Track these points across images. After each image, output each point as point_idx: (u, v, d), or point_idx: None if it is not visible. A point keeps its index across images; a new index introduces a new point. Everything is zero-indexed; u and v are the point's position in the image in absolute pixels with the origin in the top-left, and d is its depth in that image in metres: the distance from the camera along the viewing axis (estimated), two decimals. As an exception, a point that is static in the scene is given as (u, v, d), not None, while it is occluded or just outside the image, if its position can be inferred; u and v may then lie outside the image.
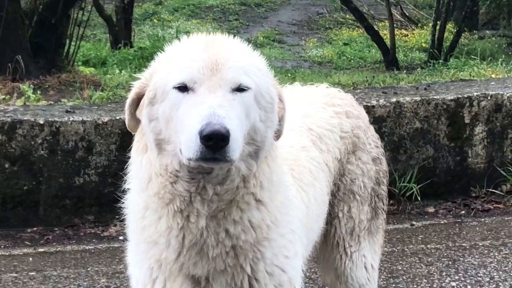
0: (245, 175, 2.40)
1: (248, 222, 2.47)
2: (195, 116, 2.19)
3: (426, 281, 5.97)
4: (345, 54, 23.80)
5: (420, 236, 7.10)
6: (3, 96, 7.89)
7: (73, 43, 9.99)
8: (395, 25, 21.98)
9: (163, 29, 24.50)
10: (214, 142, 2.12)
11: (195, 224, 2.40)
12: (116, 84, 8.69)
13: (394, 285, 5.83)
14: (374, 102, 7.79)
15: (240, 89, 2.32)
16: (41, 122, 7.17)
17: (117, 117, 7.57)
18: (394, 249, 6.76)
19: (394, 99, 7.87)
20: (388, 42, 20.36)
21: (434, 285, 5.88)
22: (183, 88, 2.31)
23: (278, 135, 2.52)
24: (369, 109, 7.48)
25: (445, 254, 6.54)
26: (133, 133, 2.57)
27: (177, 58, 2.44)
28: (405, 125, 7.87)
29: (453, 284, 5.90)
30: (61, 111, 7.51)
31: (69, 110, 7.41)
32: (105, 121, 7.59)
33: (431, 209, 7.87)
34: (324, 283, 3.94)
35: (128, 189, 2.61)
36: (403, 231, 7.27)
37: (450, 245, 6.88)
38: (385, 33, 21.66)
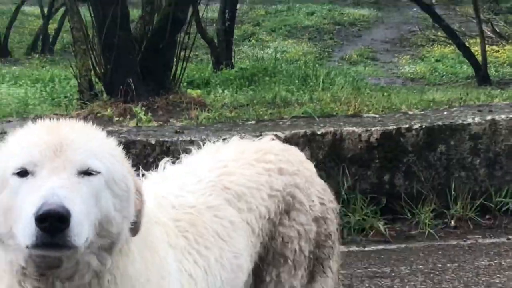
0: (98, 270, 2.39)
1: None
2: (32, 199, 2.15)
3: (523, 294, 4.29)
4: (437, 70, 25.95)
5: (517, 249, 5.18)
6: (117, 118, 8.15)
7: (179, 66, 10.24)
8: (486, 42, 23.29)
9: (262, 49, 26.77)
10: (50, 223, 2.09)
11: None
12: (221, 105, 8.45)
13: (492, 298, 4.19)
14: (469, 120, 7.70)
15: (88, 173, 2.31)
16: (153, 142, 7.39)
17: (223, 137, 7.65)
18: (491, 262, 6.59)
19: (489, 117, 7.68)
20: (479, 58, 21.83)
21: (532, 298, 4.19)
22: (23, 173, 2.28)
23: (135, 229, 2.52)
24: (464, 127, 7.73)
25: (543, 267, 4.68)
26: None
27: (17, 143, 2.42)
28: (500, 142, 7.71)
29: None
30: (170, 132, 7.65)
31: (178, 130, 7.54)
32: (212, 141, 7.61)
33: (527, 223, 5.85)
34: None
35: None
36: (499, 245, 7.02)
37: (548, 258, 4.98)
38: (476, 50, 22.65)
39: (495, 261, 6.72)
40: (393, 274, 6.55)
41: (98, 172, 2.30)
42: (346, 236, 6.99)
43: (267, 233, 3.35)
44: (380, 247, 7.16)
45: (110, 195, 2.36)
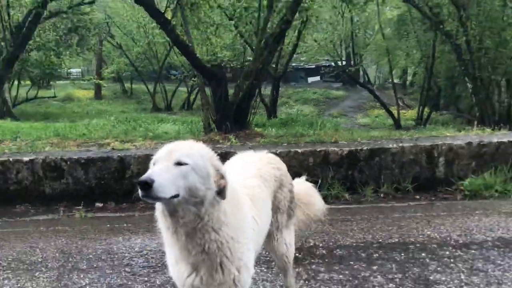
0: (197, 213, 2.54)
1: (209, 238, 2.59)
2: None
3: None
4: (375, 121, 26.55)
5: None
6: (221, 141, 8.47)
7: (251, 116, 9.87)
8: (400, 107, 25.72)
9: (291, 109, 30.21)
10: (142, 186, 2.28)
11: (180, 239, 2.58)
12: (271, 135, 8.75)
13: None
14: (390, 145, 7.53)
15: (180, 163, 2.47)
16: (237, 152, 7.11)
17: (271, 150, 7.55)
18: (401, 215, 6.24)
19: (400, 144, 7.52)
20: (396, 116, 23.94)
21: None
22: (154, 164, 2.52)
23: (222, 196, 2.59)
24: (388, 149, 7.45)
25: None
26: None
27: (160, 150, 2.60)
28: (405, 157, 7.40)
29: None
30: (246, 148, 7.61)
31: (250, 147, 7.67)
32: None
33: None
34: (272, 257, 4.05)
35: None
36: (405, 208, 6.59)
37: None
38: (394, 111, 24.97)
39: (402, 214, 6.34)
40: (352, 219, 6.34)
41: (187, 163, 2.48)
42: (329, 201, 7.03)
43: (273, 197, 3.44)
44: (346, 206, 7.06)
45: (196, 175, 2.49)
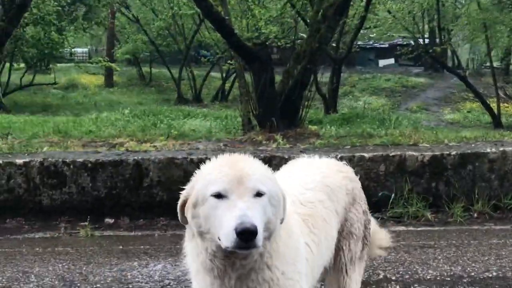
0: (261, 252, 2.55)
1: (262, 279, 2.60)
2: (230, 216, 2.34)
3: None
4: (467, 118, 27.13)
5: None
6: (265, 142, 8.29)
7: (304, 110, 9.99)
8: (500, 100, 25.06)
9: (356, 102, 30.26)
10: (246, 236, 2.26)
11: (228, 283, 2.57)
12: (329, 135, 8.77)
13: None
14: (488, 150, 7.54)
15: (259, 194, 2.46)
16: (286, 157, 7.12)
17: (331, 155, 7.35)
18: (499, 241, 6.21)
19: (501, 148, 7.55)
20: (496, 111, 23.31)
21: None
22: (218, 196, 2.44)
23: (281, 222, 2.62)
24: (485, 154, 7.48)
25: None
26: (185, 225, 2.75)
27: (211, 174, 2.55)
28: (508, 164, 7.34)
29: None
30: (297, 151, 7.67)
31: (301, 150, 7.63)
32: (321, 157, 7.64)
33: None
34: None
35: (186, 258, 2.82)
36: (506, 230, 6.61)
37: None
38: (493, 105, 24.93)
39: (502, 240, 6.32)
40: (435, 245, 6.26)
41: (264, 193, 2.48)
42: (405, 221, 7.09)
43: (343, 216, 3.39)
44: (428, 228, 6.96)
45: (270, 206, 2.51)
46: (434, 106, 33.20)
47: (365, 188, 7.40)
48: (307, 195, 3.13)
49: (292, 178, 3.30)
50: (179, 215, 2.69)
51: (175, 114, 17.10)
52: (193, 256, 2.69)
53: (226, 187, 2.45)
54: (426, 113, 28.79)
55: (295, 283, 2.72)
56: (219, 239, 2.40)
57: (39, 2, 24.14)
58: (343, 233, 3.40)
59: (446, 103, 34.06)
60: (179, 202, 2.68)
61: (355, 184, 3.57)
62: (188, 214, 2.60)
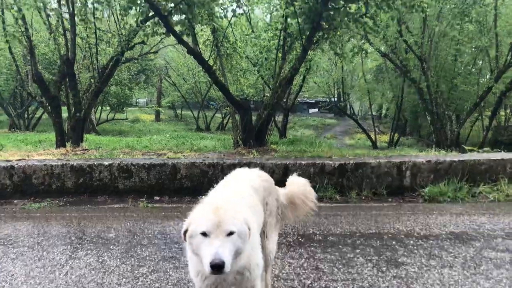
0: (236, 263, 2.32)
1: (236, 272, 2.44)
2: (208, 252, 2.15)
3: None
4: (358, 142, 27.39)
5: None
6: (246, 154, 8.12)
7: (268, 136, 9.74)
8: (376, 133, 23.26)
9: (296, 132, 26.02)
10: (217, 268, 2.08)
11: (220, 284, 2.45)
12: (282, 151, 8.64)
13: None
14: (371, 161, 7.41)
15: (230, 233, 2.23)
16: (258, 162, 7.08)
17: (284, 161, 7.42)
18: (375, 213, 6.09)
19: (378, 160, 7.44)
20: (374, 138, 21.05)
21: None
22: (204, 234, 2.23)
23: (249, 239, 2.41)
24: (369, 163, 7.22)
25: None
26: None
27: (200, 216, 2.30)
28: (381, 170, 7.35)
29: None
30: (264, 159, 7.46)
31: (266, 159, 7.45)
32: (273, 162, 7.34)
33: None
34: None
35: (188, 263, 2.59)
36: (381, 207, 6.43)
37: None
38: (372, 136, 23.78)
39: (378, 212, 6.13)
40: (341, 215, 6.11)
41: (234, 232, 2.26)
42: (324, 200, 6.89)
43: (264, 203, 3.12)
44: (337, 204, 6.86)
45: (240, 239, 2.28)
46: (340, 135, 33.08)
47: (302, 181, 7.51)
48: (244, 191, 2.92)
49: (236, 183, 3.05)
50: (182, 236, 2.46)
51: (195, 137, 17.18)
52: (193, 265, 2.49)
53: (209, 229, 2.25)
54: (335, 140, 28.37)
55: (257, 254, 2.58)
56: (204, 267, 2.22)
57: (119, 72, 24.05)
58: (266, 213, 3.18)
59: (346, 134, 34.40)
60: (183, 229, 2.45)
61: (269, 183, 3.32)
62: (187, 240, 2.37)
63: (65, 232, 5.52)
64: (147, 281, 4.03)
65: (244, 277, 2.51)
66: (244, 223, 2.37)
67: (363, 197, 7.08)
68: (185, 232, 2.41)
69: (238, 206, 2.54)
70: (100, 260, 4.55)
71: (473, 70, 20.17)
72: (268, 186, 3.29)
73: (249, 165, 7.00)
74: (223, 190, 2.94)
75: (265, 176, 3.38)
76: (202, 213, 2.35)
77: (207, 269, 2.14)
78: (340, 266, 4.33)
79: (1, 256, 4.67)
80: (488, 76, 19.79)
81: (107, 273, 4.24)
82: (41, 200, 7.10)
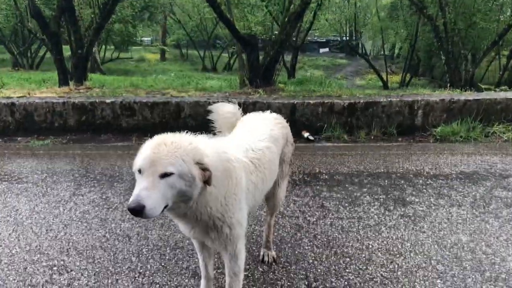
0: (186, 206, 2.03)
1: (204, 212, 2.10)
2: (133, 193, 1.84)
3: None
4: (369, 83, 25.42)
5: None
6: (253, 93, 7.97)
7: (276, 75, 9.47)
8: (388, 73, 19.76)
9: (305, 73, 22.09)
10: (133, 213, 1.77)
11: (175, 215, 2.12)
12: (290, 90, 8.37)
13: None
14: (382, 99, 7.22)
15: (166, 174, 1.87)
16: (264, 102, 7.00)
17: (291, 101, 7.23)
18: (389, 150, 6.13)
19: (389, 99, 7.28)
20: (385, 79, 15.60)
21: None
22: (139, 171, 1.90)
23: (208, 183, 2.02)
24: (380, 102, 7.04)
25: None
26: None
27: (141, 152, 1.97)
28: (392, 109, 7.15)
29: None
30: (271, 99, 7.35)
31: (274, 99, 7.35)
32: (280, 102, 7.28)
33: None
34: (267, 207, 3.36)
35: None
36: (390, 147, 6.46)
37: None
38: (384, 76, 18.20)
39: (387, 151, 6.12)
40: (349, 154, 6.09)
41: (173, 173, 1.88)
42: (332, 140, 6.93)
43: (281, 152, 2.95)
44: (345, 144, 6.88)
45: (182, 181, 1.91)
46: (350, 76, 32.48)
47: (310, 121, 7.37)
48: (258, 144, 2.61)
49: (249, 131, 2.78)
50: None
51: (200, 77, 17.02)
52: None
53: (142, 166, 1.91)
54: (345, 80, 27.79)
55: (233, 207, 2.23)
56: None
57: (121, 9, 23.35)
58: (281, 162, 2.99)
59: (357, 75, 33.82)
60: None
61: (287, 130, 3.11)
62: None
63: (68, 169, 5.56)
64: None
65: (222, 234, 2.26)
66: (191, 163, 1.99)
67: (372, 137, 7.01)
68: None
69: (203, 145, 2.16)
70: (104, 197, 4.60)
71: (494, 6, 19.29)
72: (286, 132, 3.10)
73: (255, 104, 6.97)
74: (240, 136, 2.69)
75: (282, 121, 3.14)
76: (145, 147, 2.03)
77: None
78: (346, 205, 4.34)
79: (5, 191, 4.76)
80: (509, 13, 18.96)
81: (110, 209, 4.28)
82: (44, 137, 7.14)
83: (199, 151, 2.07)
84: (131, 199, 1.82)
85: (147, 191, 1.84)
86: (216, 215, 2.21)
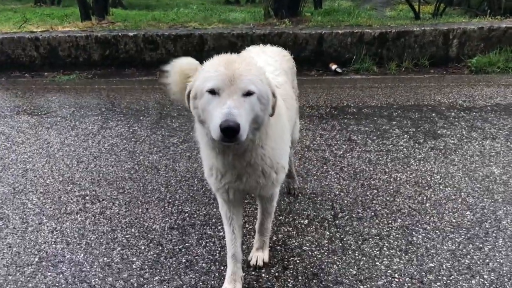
0: (252, 139, 1.86)
1: (255, 154, 1.95)
2: (218, 113, 1.65)
3: None
4: (399, 14, 19.54)
5: None
6: (278, 24, 7.73)
7: (302, 6, 8.78)
8: (420, 3, 16.51)
9: (333, 3, 20.25)
10: (229, 133, 1.59)
11: (227, 157, 1.91)
12: (317, 21, 8.00)
13: None
14: (414, 29, 6.85)
15: (248, 93, 1.73)
16: (290, 32, 6.77)
17: (319, 31, 6.99)
18: (421, 81, 5.98)
19: (423, 28, 6.91)
20: (417, 10, 14.95)
21: None
22: (212, 92, 1.72)
23: (271, 115, 1.89)
24: (412, 32, 6.73)
25: None
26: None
27: (209, 72, 1.76)
28: (425, 38, 6.76)
29: None
30: (297, 29, 7.07)
31: (300, 29, 7.09)
32: (307, 32, 6.97)
33: None
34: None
35: (195, 134, 2.08)
36: (422, 79, 6.23)
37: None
38: (416, 7, 16.08)
39: (419, 84, 5.95)
40: (378, 87, 5.97)
41: (254, 93, 1.74)
42: (361, 72, 6.76)
43: (293, 88, 2.72)
44: (374, 77, 6.69)
45: (259, 104, 1.77)
46: (380, 7, 31.09)
47: (338, 52, 7.17)
48: (278, 79, 2.41)
49: (265, 63, 2.50)
50: (186, 102, 1.93)
51: (224, 9, 16.43)
52: (200, 135, 1.99)
53: (219, 85, 1.73)
54: (375, 11, 26.65)
55: (281, 151, 2.12)
56: (211, 132, 1.73)
57: None
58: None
59: (387, 5, 32.05)
60: (186, 92, 1.91)
61: (293, 63, 2.89)
62: (191, 104, 1.87)
63: (95, 103, 5.66)
64: (178, 150, 4.16)
65: (268, 180, 2.13)
66: (267, 84, 1.87)
67: (403, 69, 6.80)
68: (189, 94, 1.91)
69: (262, 69, 2.00)
70: (131, 130, 4.70)
71: None
72: (293, 66, 2.91)
73: (280, 35, 6.79)
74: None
75: (287, 54, 2.92)
76: (211, 66, 1.83)
77: (216, 134, 1.67)
78: (374, 138, 4.30)
79: (36, 125, 4.92)
80: None
81: (138, 142, 4.38)
82: (70, 72, 7.21)
83: (266, 73, 1.96)
84: (223, 118, 1.63)
85: (237, 109, 1.67)
86: (267, 160, 2.07)
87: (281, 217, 3.07)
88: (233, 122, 1.61)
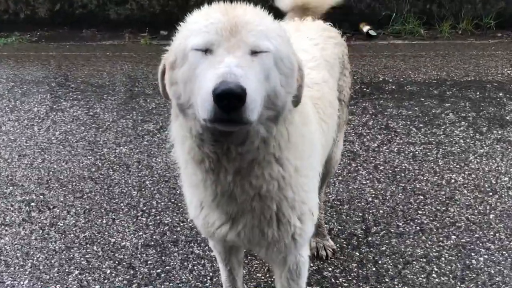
0: (265, 137, 1.53)
1: (268, 176, 1.61)
2: (211, 75, 1.32)
3: None
4: None
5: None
6: None
7: None
8: None
9: None
10: (228, 102, 1.25)
11: (224, 179, 1.57)
12: None
13: None
14: None
15: (259, 52, 1.41)
16: None
17: None
18: (474, 49, 5.98)
19: None
20: None
21: None
22: (202, 50, 1.40)
23: (296, 101, 1.60)
24: None
25: None
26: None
27: (196, 22, 1.48)
28: None
29: None
30: None
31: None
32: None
33: None
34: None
35: (173, 147, 1.76)
36: (485, 44, 6.18)
37: None
38: None
39: (481, 52, 5.88)
40: (426, 56, 5.88)
41: (268, 51, 1.42)
42: (403, 36, 6.66)
43: (337, 86, 2.39)
44: (421, 42, 6.55)
45: (278, 72, 1.45)
46: None
47: (371, 8, 7.08)
48: (312, 76, 2.08)
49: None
50: (159, 86, 1.66)
51: None
52: (180, 142, 1.67)
53: (212, 38, 1.41)
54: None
55: (309, 182, 1.82)
56: (198, 112, 1.40)
57: None
58: (339, 106, 2.51)
59: None
60: (159, 69, 1.65)
61: (344, 48, 2.58)
62: (166, 79, 1.57)
63: (42, 76, 5.60)
64: (154, 141, 4.11)
65: (286, 232, 1.80)
66: (287, 43, 1.60)
67: (460, 31, 6.78)
68: (164, 69, 1.64)
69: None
70: (92, 113, 4.65)
71: None
72: (342, 52, 2.60)
73: None
74: None
75: (337, 36, 2.61)
76: (198, 17, 1.56)
77: (208, 108, 1.32)
78: (421, 125, 4.27)
79: None
80: None
81: (101, 129, 4.34)
82: (7, 34, 7.12)
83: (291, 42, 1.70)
84: (220, 78, 1.30)
85: (242, 69, 1.35)
86: (287, 192, 1.75)
87: (294, 232, 3.18)
88: (234, 83, 1.28)
